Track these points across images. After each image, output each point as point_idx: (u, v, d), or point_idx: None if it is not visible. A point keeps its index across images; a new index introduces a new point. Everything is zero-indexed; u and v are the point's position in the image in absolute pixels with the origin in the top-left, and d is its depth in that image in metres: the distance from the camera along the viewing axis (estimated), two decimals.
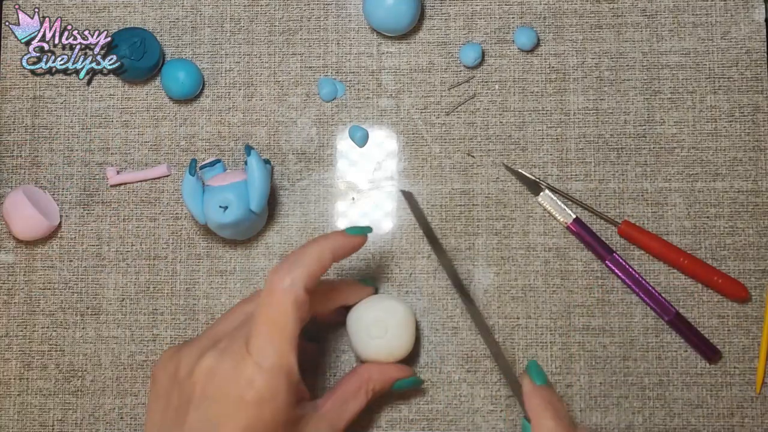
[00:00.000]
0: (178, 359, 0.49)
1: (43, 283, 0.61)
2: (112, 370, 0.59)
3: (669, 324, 0.58)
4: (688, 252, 0.58)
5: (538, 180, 0.59)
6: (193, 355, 0.49)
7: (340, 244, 0.51)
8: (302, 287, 0.48)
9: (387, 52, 0.62)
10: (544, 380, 0.52)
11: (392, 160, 0.61)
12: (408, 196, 0.58)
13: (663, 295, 0.58)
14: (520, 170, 0.59)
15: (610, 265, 0.58)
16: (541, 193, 0.59)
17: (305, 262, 0.49)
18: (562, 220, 0.59)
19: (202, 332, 0.53)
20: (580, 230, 0.59)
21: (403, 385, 0.55)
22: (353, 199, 0.60)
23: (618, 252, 0.59)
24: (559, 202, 0.59)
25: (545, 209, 0.59)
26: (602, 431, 0.58)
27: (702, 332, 0.58)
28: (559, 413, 0.50)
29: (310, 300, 0.49)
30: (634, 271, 0.58)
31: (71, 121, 0.62)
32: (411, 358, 0.57)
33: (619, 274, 0.58)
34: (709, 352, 0.58)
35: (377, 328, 0.54)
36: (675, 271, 0.59)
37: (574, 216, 0.59)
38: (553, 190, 0.59)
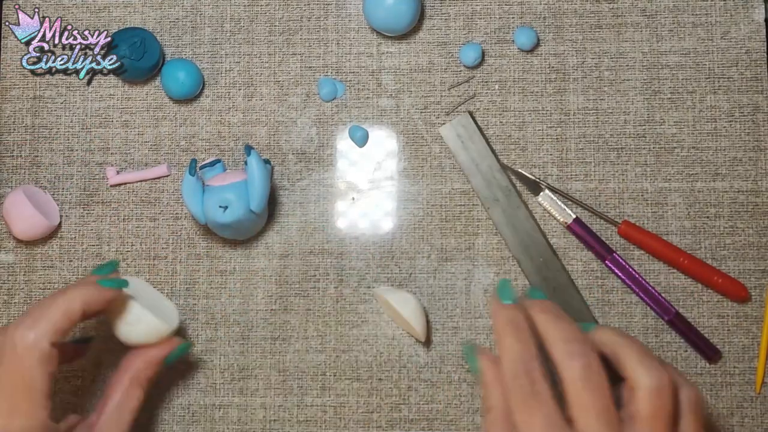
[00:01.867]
0: None
1: (43, 283, 0.61)
2: (111, 370, 0.59)
3: (669, 324, 0.58)
4: (688, 252, 0.58)
5: (538, 180, 0.59)
6: None
7: (91, 298, 0.49)
8: (47, 343, 0.47)
9: (387, 52, 0.62)
10: (511, 298, 0.47)
11: (392, 160, 0.61)
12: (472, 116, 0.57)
13: (663, 295, 0.58)
14: (520, 170, 0.59)
15: (610, 265, 0.58)
16: (541, 193, 0.59)
17: (51, 316, 0.47)
18: (562, 220, 0.59)
19: None
20: (580, 230, 0.59)
21: (173, 358, 0.54)
22: (353, 199, 0.60)
23: (618, 252, 0.59)
24: (559, 202, 0.59)
25: (545, 209, 0.59)
26: None
27: (702, 332, 0.58)
28: (522, 333, 0.45)
29: (59, 350, 0.48)
30: (634, 270, 0.58)
31: (71, 121, 0.62)
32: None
33: (619, 274, 0.58)
34: (710, 352, 0.58)
35: (131, 315, 0.52)
36: (675, 271, 0.59)
37: (574, 216, 0.59)
38: (553, 190, 0.59)
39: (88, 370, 0.60)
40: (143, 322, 0.52)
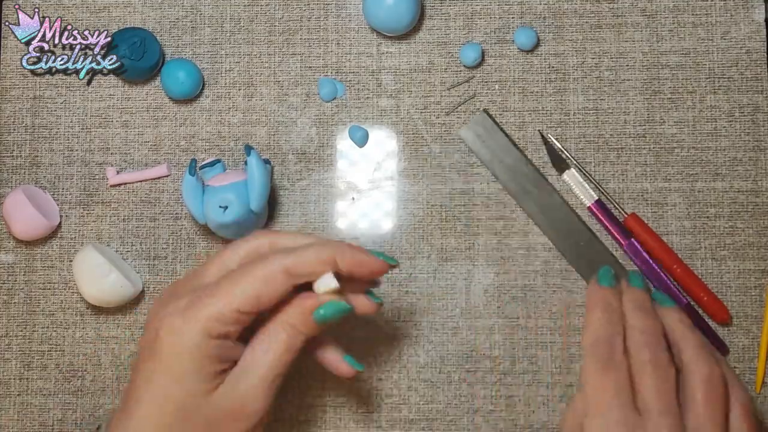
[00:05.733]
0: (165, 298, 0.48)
1: (43, 283, 0.61)
2: (112, 370, 0.59)
3: None
4: (689, 253, 0.58)
5: (569, 156, 0.59)
6: (166, 302, 0.47)
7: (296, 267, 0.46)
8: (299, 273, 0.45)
9: (387, 52, 0.62)
10: (609, 282, 0.51)
11: (392, 160, 0.61)
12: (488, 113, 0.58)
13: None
14: (551, 142, 0.59)
15: (627, 250, 0.58)
16: (567, 171, 0.59)
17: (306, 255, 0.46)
18: (584, 200, 0.59)
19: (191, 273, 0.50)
20: (601, 212, 0.59)
21: (326, 316, 0.47)
22: (353, 199, 0.60)
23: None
24: (584, 182, 0.59)
25: (570, 188, 0.59)
26: None
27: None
28: (611, 313, 0.49)
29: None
30: (649, 257, 0.58)
31: (71, 121, 0.62)
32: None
33: (634, 259, 0.58)
34: (718, 345, 0.57)
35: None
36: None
37: (596, 197, 0.59)
38: (579, 169, 0.59)
39: (88, 371, 0.60)
40: (111, 280, 0.56)
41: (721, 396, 0.47)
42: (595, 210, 0.59)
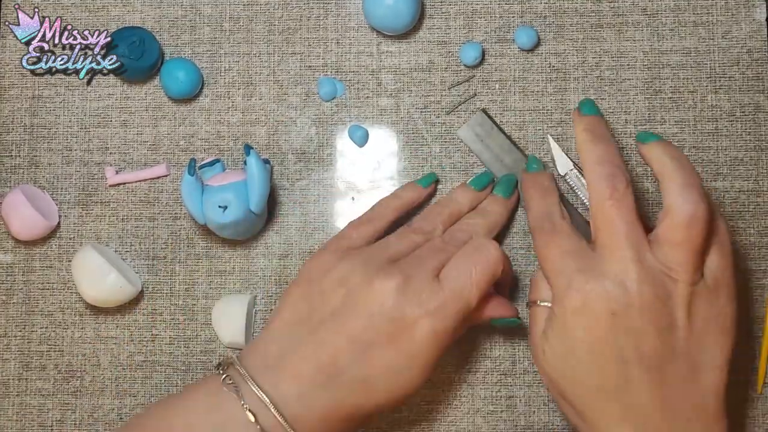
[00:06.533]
0: (347, 268, 0.50)
1: (42, 283, 0.60)
2: (111, 371, 0.59)
3: None
4: None
5: (569, 158, 0.58)
6: (369, 271, 0.49)
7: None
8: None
9: (387, 52, 0.61)
10: (538, 167, 0.53)
11: (392, 159, 0.61)
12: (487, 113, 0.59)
13: None
14: (553, 143, 0.58)
15: None
16: (568, 171, 0.57)
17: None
18: (586, 200, 0.57)
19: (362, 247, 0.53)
20: None
21: (501, 321, 0.53)
22: (353, 198, 0.60)
23: None
24: (584, 182, 0.57)
25: (570, 187, 0.58)
26: None
27: None
28: (546, 191, 0.51)
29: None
30: None
31: (70, 121, 0.62)
32: None
33: None
34: None
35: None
36: None
37: None
38: (580, 170, 0.58)
39: (87, 371, 0.59)
40: (110, 280, 0.56)
41: (701, 240, 0.44)
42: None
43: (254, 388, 0.47)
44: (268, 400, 0.46)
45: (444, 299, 0.48)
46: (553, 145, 0.58)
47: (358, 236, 0.54)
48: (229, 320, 0.57)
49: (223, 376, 0.48)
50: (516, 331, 0.58)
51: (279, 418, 0.46)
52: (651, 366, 0.45)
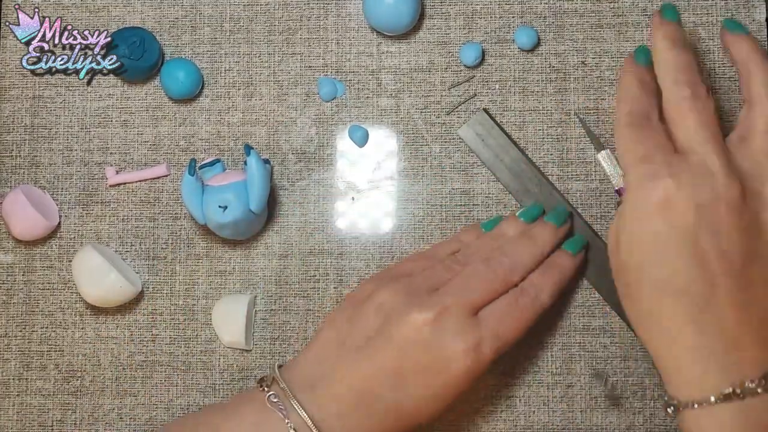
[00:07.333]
0: (388, 294, 0.50)
1: (42, 284, 0.60)
2: (111, 371, 0.59)
3: None
4: None
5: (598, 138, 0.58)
6: (409, 301, 0.49)
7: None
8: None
9: (387, 52, 0.61)
10: (646, 61, 0.49)
11: (392, 160, 0.61)
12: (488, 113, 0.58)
13: None
14: (586, 121, 0.58)
15: None
16: (602, 152, 0.57)
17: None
18: (614, 182, 0.57)
19: (405, 268, 0.54)
20: None
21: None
22: (353, 199, 0.60)
23: None
24: (617, 163, 0.57)
25: (602, 168, 0.57)
26: None
27: None
28: (645, 84, 0.47)
29: None
30: None
31: (70, 121, 0.62)
32: None
33: None
34: None
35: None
36: None
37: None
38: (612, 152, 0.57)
39: (88, 371, 0.60)
40: (110, 279, 0.56)
41: None
42: (622, 194, 0.57)
43: (297, 408, 0.48)
44: (310, 422, 0.47)
45: (481, 337, 0.49)
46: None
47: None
48: (229, 320, 0.57)
49: (269, 393, 0.49)
50: None
51: None
52: (732, 267, 0.42)
